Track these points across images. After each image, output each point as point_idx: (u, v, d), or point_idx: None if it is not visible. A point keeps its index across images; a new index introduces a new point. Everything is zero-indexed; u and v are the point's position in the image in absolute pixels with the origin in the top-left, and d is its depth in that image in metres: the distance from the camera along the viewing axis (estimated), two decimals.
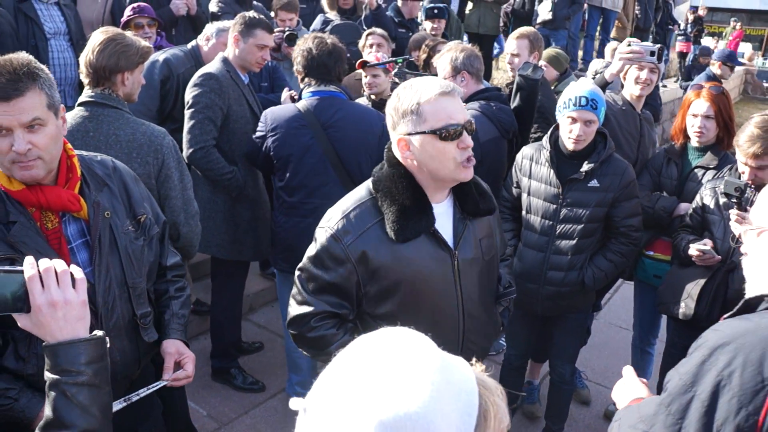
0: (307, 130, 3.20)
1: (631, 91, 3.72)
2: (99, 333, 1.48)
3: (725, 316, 1.43)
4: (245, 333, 4.50)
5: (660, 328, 3.92)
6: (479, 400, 0.90)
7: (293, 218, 3.31)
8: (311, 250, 2.09)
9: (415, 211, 1.98)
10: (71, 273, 1.46)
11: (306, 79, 3.32)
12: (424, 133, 1.91)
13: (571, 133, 3.02)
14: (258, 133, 3.37)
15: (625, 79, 3.73)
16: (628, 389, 1.78)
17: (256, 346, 4.51)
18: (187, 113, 3.59)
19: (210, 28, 4.39)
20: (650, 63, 3.42)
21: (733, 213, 2.80)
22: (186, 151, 3.56)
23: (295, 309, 2.16)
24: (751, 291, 1.44)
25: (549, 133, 3.19)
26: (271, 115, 3.32)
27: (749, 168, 2.91)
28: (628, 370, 1.86)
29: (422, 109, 1.90)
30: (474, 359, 0.99)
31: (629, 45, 3.36)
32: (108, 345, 1.50)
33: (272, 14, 6.46)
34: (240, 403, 3.93)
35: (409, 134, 1.94)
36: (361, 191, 2.08)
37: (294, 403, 0.92)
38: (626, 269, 3.56)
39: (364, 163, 3.26)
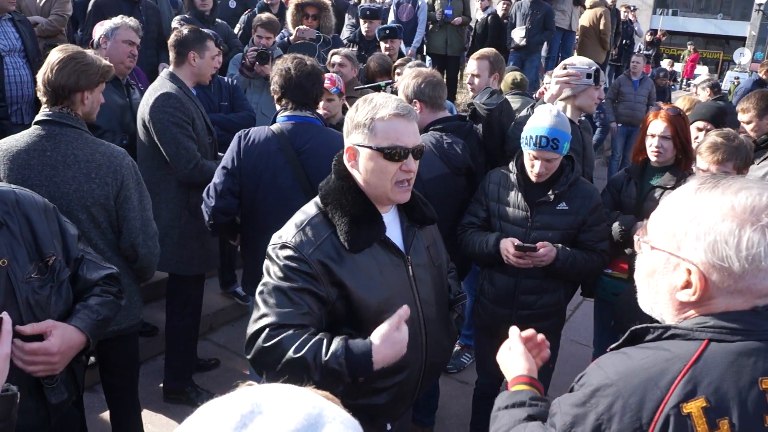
0: (281, 154, 3.12)
1: None
2: (12, 388, 1.35)
3: (611, 347, 1.43)
4: (204, 352, 4.44)
5: None
6: None
7: (265, 243, 3.18)
8: (271, 267, 2.02)
9: (366, 221, 2.02)
10: None
11: (283, 101, 3.21)
12: (371, 148, 1.98)
13: (533, 168, 3.01)
14: (227, 157, 3.20)
15: None
16: (511, 359, 1.73)
17: (212, 363, 4.47)
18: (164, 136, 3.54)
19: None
20: (587, 85, 3.40)
21: None
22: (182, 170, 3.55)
23: (251, 327, 2.00)
24: (642, 306, 1.45)
25: (515, 157, 3.16)
26: (243, 137, 3.19)
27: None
28: (514, 332, 1.75)
29: (374, 125, 1.97)
30: None
31: (564, 68, 3.39)
32: (18, 400, 1.37)
33: (236, 30, 6.46)
34: None
35: (359, 145, 2.01)
36: (310, 207, 2.12)
37: None
38: (586, 285, 3.62)
39: None
